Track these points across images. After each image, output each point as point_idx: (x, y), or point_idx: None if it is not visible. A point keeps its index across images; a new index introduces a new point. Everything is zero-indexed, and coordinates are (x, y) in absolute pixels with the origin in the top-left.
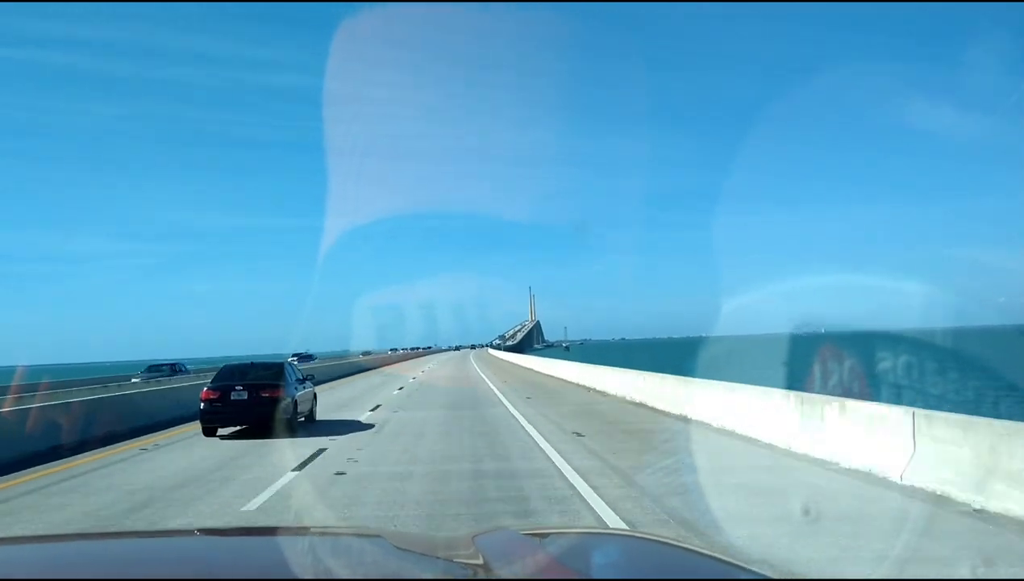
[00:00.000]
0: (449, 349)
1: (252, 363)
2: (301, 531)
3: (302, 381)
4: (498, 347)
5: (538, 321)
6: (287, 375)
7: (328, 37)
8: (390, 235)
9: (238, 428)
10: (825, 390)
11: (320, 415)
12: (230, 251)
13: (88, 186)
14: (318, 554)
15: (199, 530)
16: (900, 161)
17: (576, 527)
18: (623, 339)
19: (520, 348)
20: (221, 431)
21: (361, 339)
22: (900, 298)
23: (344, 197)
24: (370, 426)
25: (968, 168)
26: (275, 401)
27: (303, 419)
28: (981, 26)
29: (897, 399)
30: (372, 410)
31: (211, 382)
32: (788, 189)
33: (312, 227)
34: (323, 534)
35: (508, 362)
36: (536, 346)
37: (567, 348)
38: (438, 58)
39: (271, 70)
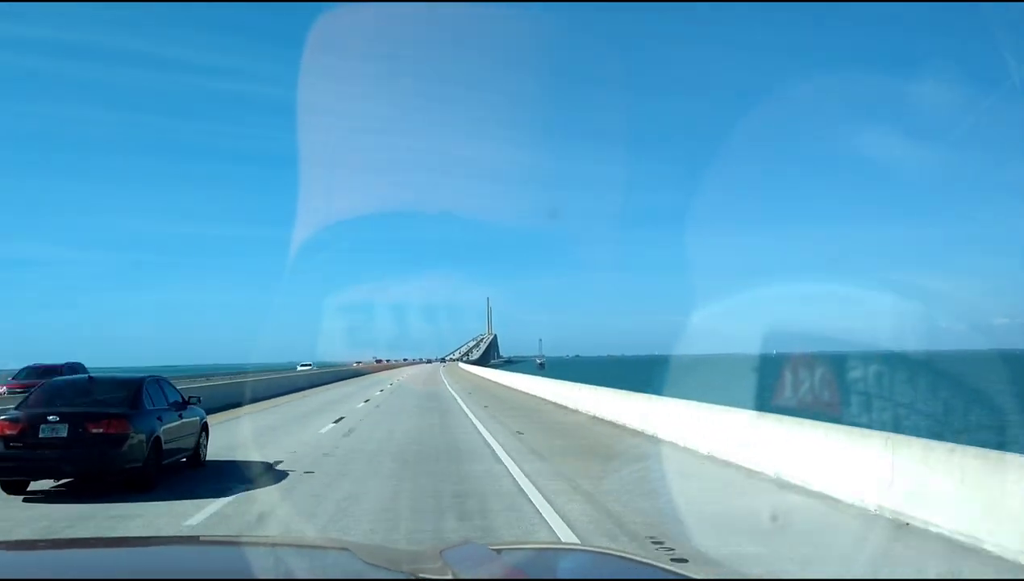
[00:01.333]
0: (420, 361)
1: (90, 377)
2: (263, 544)
3: (180, 406)
4: (466, 361)
5: (495, 335)
6: (144, 398)
7: (296, 45)
8: (355, 248)
9: (64, 482)
10: (796, 398)
11: (223, 454)
12: (185, 261)
13: (35, 191)
14: (284, 565)
15: (163, 538)
16: (867, 184)
17: (543, 542)
18: (577, 356)
19: (482, 363)
20: (38, 484)
21: (326, 350)
22: (872, 314)
23: (310, 208)
24: (284, 475)
25: (920, 195)
26: (115, 440)
27: (184, 460)
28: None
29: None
30: (289, 454)
31: (13, 408)
32: (756, 211)
33: (270, 238)
34: (289, 545)
35: (491, 381)
36: (493, 361)
37: (542, 365)
38: (408, 68)
39: (232, 78)
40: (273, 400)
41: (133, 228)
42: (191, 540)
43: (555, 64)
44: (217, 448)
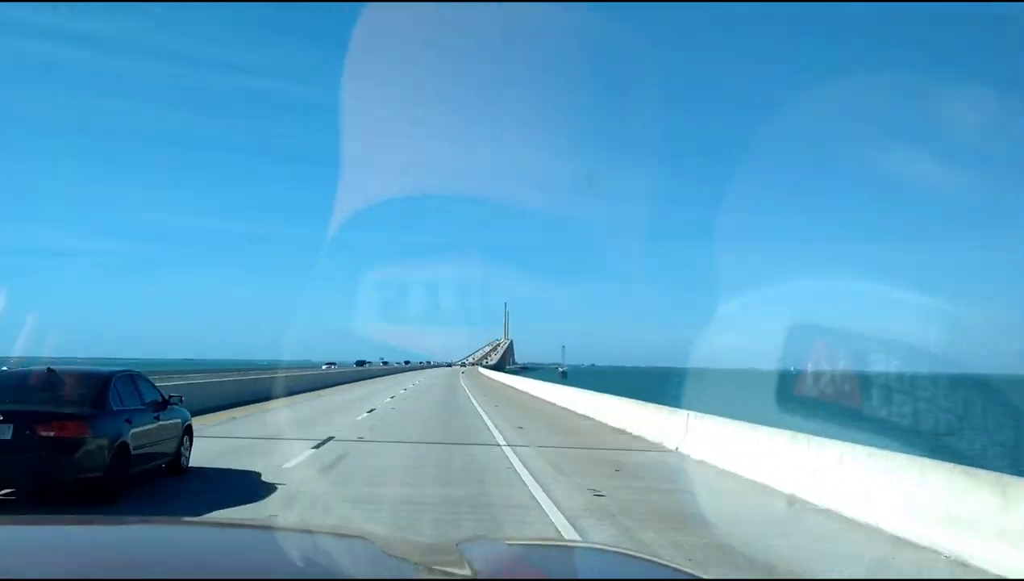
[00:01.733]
0: (427, 366)
1: (50, 370)
2: (286, 530)
3: (158, 406)
4: (484, 366)
5: (511, 340)
6: (110, 397)
7: (334, 43)
8: (377, 253)
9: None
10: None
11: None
12: (204, 255)
13: (56, 181)
14: (302, 553)
15: (184, 520)
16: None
17: (557, 540)
18: (593, 365)
19: (498, 368)
20: None
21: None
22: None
23: (343, 207)
24: (276, 488)
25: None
26: (68, 446)
27: (163, 467)
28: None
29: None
30: (291, 464)
31: None
32: (782, 227)
33: (285, 236)
34: (309, 533)
35: (524, 392)
36: (508, 367)
37: (564, 373)
38: (443, 69)
39: (253, 74)
40: (286, 399)
41: (159, 220)
42: (212, 524)
43: (593, 71)
44: (209, 454)
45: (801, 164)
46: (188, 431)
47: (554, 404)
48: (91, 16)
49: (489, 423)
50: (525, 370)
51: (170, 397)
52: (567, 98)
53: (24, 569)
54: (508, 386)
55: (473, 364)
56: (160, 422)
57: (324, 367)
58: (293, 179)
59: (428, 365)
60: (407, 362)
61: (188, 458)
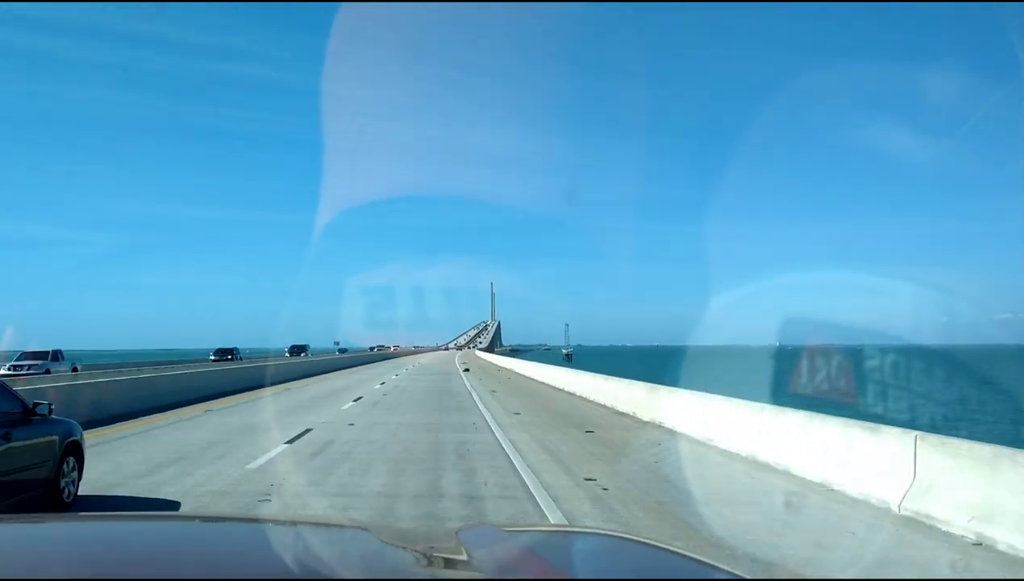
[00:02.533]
0: (415, 350)
1: None
2: (282, 522)
3: (14, 421)
4: (480, 349)
5: (499, 322)
6: None
7: (321, 32)
8: (368, 234)
9: None
10: (812, 386)
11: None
12: (183, 243)
13: (33, 171)
14: (304, 545)
15: (184, 515)
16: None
17: (558, 525)
18: (579, 345)
19: (488, 351)
20: None
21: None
22: (891, 305)
23: (330, 195)
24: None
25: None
26: None
27: (39, 499)
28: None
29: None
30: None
31: None
32: (774, 204)
33: (268, 222)
34: (308, 525)
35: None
36: (496, 349)
37: (569, 356)
38: (431, 58)
39: (229, 59)
40: (260, 390)
41: (147, 210)
42: (208, 518)
43: (576, 56)
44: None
45: (788, 142)
46: (73, 450)
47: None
48: (68, 3)
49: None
50: (516, 352)
51: (36, 405)
52: (554, 82)
53: (16, 568)
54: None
55: (463, 347)
56: (13, 443)
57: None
58: (274, 167)
59: (413, 351)
60: (377, 347)
61: (75, 485)
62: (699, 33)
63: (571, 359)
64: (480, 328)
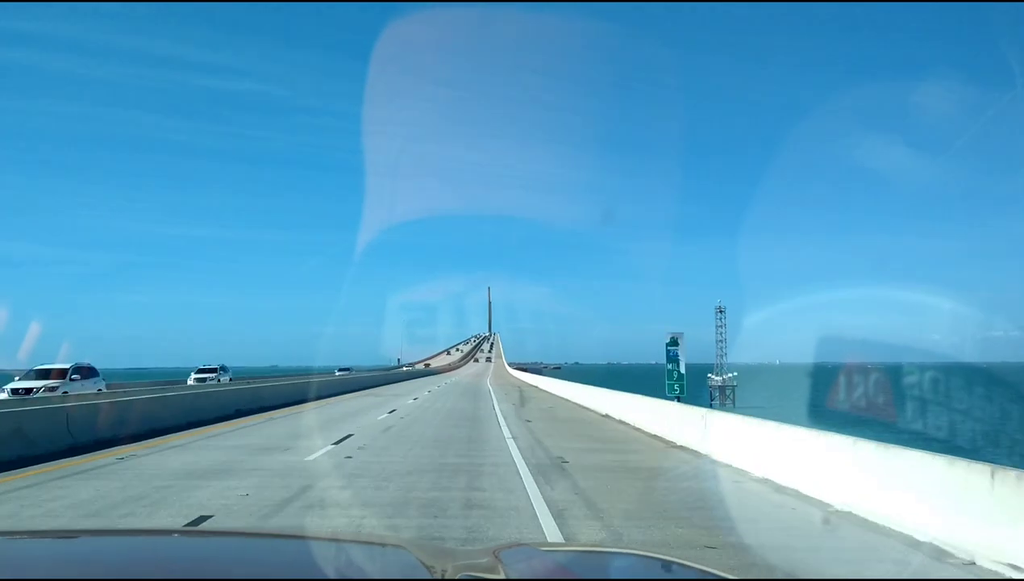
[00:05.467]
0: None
1: None
2: (323, 539)
3: None
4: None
5: (496, 334)
6: None
7: (289, 45)
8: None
9: None
10: (849, 403)
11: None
12: (171, 262)
13: (20, 189)
14: (341, 563)
15: (220, 532)
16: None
17: (594, 545)
18: (577, 363)
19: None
20: None
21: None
22: (929, 322)
23: (367, 217)
24: None
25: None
26: None
27: None
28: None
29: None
30: None
31: None
32: (808, 221)
33: (255, 241)
34: (345, 542)
35: None
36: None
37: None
38: (467, 81)
39: (220, 76)
40: (272, 412)
41: (126, 229)
42: (239, 534)
43: (611, 79)
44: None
45: (827, 158)
46: None
47: None
48: (57, 18)
49: None
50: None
51: None
52: (582, 103)
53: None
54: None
55: (470, 357)
56: None
57: (337, 373)
58: (269, 183)
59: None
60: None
61: None
62: (737, 53)
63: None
64: (476, 341)
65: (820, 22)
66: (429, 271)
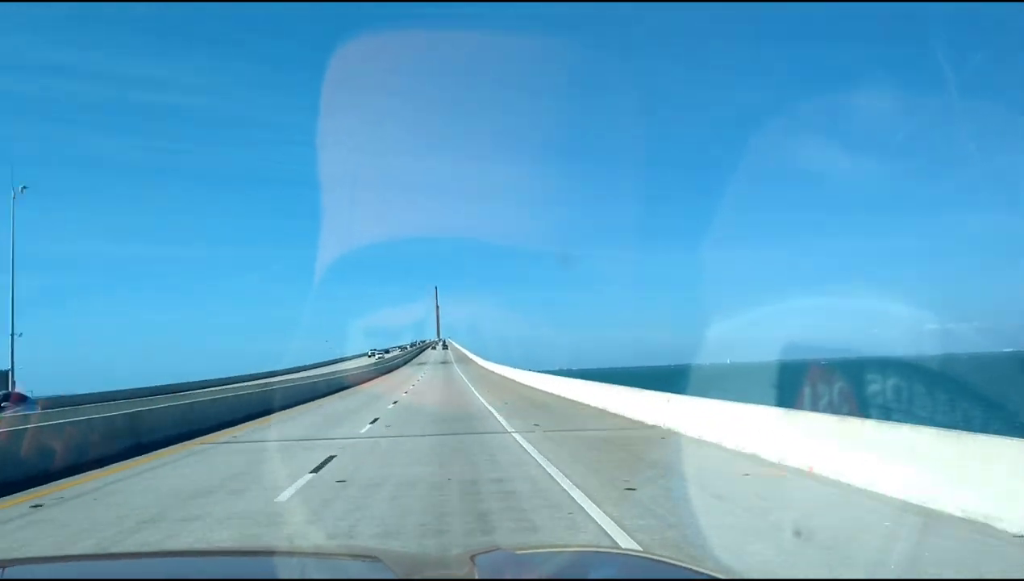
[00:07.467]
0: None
1: None
2: (297, 553)
3: None
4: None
5: (444, 340)
6: None
7: (223, 56)
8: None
9: None
10: (816, 410)
11: None
12: (96, 283)
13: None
14: (314, 577)
15: (191, 552)
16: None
17: (573, 545)
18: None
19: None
20: None
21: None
22: (887, 321)
23: (329, 231)
24: None
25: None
26: None
27: None
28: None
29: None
30: None
31: None
32: (767, 225)
33: (185, 258)
34: (318, 556)
35: None
36: None
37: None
38: (424, 93)
39: (148, 88)
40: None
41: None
42: (213, 553)
43: (567, 85)
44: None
45: (785, 162)
46: None
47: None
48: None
49: None
50: None
51: None
52: (545, 113)
53: None
54: None
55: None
56: None
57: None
58: (201, 202)
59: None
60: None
61: None
62: (697, 59)
63: None
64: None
65: (774, 32)
66: (385, 285)
